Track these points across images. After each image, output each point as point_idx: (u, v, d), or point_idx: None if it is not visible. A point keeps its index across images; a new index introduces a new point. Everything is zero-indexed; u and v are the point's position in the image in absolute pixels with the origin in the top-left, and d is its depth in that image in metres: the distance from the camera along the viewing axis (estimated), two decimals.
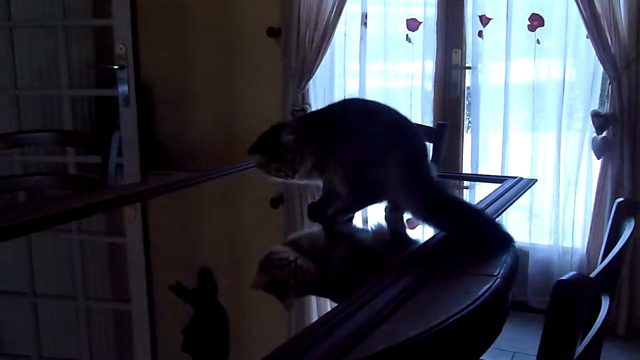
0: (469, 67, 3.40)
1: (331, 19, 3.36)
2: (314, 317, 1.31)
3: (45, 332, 1.31)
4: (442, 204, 1.58)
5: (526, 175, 2.24)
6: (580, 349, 1.04)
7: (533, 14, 3.18)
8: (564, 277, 0.95)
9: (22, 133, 3.05)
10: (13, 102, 3.53)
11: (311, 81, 3.49)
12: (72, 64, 3.69)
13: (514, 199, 1.93)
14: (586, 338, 1.09)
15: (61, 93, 3.42)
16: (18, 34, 3.58)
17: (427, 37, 3.40)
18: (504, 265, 1.40)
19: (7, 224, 1.73)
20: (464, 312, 1.17)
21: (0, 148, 2.56)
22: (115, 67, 3.25)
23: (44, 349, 1.24)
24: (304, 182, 1.74)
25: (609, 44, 2.90)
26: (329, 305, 1.38)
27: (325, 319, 1.13)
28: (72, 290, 1.56)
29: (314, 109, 3.53)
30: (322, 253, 1.67)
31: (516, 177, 2.15)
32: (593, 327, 1.12)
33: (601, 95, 3.14)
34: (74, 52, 3.80)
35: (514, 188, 2.03)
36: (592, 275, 1.06)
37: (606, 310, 1.17)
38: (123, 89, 3.26)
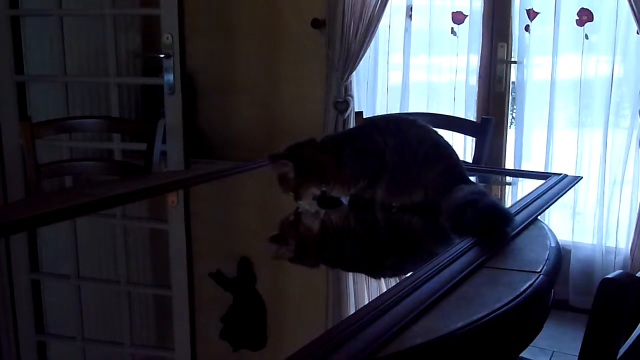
0: (514, 62, 3.35)
1: (376, 11, 3.34)
2: (352, 308, 1.31)
3: (88, 315, 1.34)
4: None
5: (570, 173, 2.21)
6: (623, 349, 1.02)
7: (582, 8, 3.11)
8: (609, 275, 0.93)
9: (71, 119, 3.12)
10: (62, 89, 3.60)
11: (354, 73, 3.48)
12: (120, 52, 3.74)
13: (558, 196, 1.90)
14: (629, 339, 1.07)
15: (109, 81, 3.47)
16: (68, 22, 3.64)
17: (472, 31, 3.36)
18: (547, 262, 1.38)
19: (53, 207, 1.76)
20: (505, 308, 1.17)
21: (49, 133, 2.61)
22: (162, 56, 3.29)
23: (86, 331, 1.27)
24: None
25: None
26: (366, 296, 1.38)
27: (365, 310, 1.13)
28: (115, 275, 1.59)
29: (356, 100, 3.53)
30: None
31: (561, 174, 2.12)
32: (637, 329, 1.10)
33: None
34: (122, 40, 3.85)
35: (558, 185, 2.00)
36: (639, 274, 1.04)
37: None
38: (169, 77, 3.29)
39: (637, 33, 2.94)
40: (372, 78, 3.61)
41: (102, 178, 2.81)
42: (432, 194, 1.72)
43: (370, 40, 3.40)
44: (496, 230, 1.54)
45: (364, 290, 1.42)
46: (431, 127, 1.85)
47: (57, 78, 3.59)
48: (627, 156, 3.09)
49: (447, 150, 1.80)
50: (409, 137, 1.77)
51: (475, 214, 1.55)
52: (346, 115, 3.50)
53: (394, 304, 1.15)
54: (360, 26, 3.38)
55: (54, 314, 1.35)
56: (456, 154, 1.83)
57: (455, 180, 1.73)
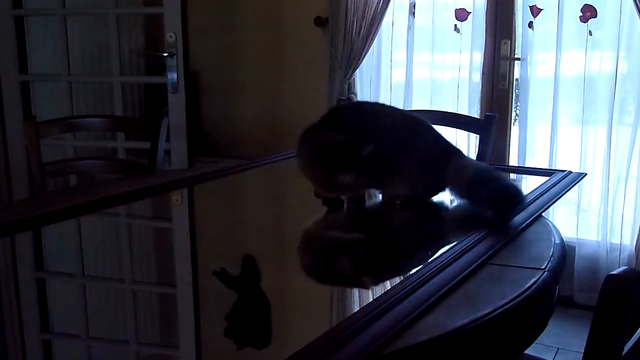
0: (518, 59, 3.35)
1: (379, 9, 3.34)
2: (356, 305, 1.31)
3: (93, 313, 1.34)
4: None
5: (575, 169, 2.20)
6: (628, 346, 1.02)
7: (585, 4, 3.11)
8: (614, 272, 0.93)
9: (74, 118, 3.12)
10: (66, 88, 3.60)
11: (357, 71, 3.48)
12: (123, 51, 3.74)
13: (562, 192, 1.89)
14: (634, 336, 1.07)
15: (112, 80, 3.48)
16: (71, 22, 3.65)
17: (476, 28, 3.36)
18: (552, 259, 1.38)
19: (58, 206, 1.77)
20: (510, 304, 1.16)
21: (53, 133, 2.61)
22: (165, 54, 3.29)
23: (91, 330, 1.27)
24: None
25: None
26: (370, 293, 1.38)
27: (370, 308, 1.12)
28: (119, 273, 1.59)
29: (359, 98, 3.53)
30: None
31: (565, 171, 2.11)
32: None
33: None
34: (125, 39, 3.86)
35: (562, 182, 1.99)
36: None
37: None
38: (172, 76, 3.29)
39: None
40: (375, 76, 3.61)
41: (106, 177, 2.81)
42: (418, 185, 1.71)
43: (373, 38, 3.40)
44: (509, 210, 1.59)
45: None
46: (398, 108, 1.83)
47: (60, 77, 3.59)
48: (632, 153, 3.09)
49: (422, 127, 1.73)
50: (380, 125, 1.70)
51: (490, 194, 1.59)
52: None
53: (399, 301, 1.15)
54: (363, 24, 3.37)
55: (59, 312, 1.35)
56: (433, 130, 1.75)
57: (442, 157, 1.69)
